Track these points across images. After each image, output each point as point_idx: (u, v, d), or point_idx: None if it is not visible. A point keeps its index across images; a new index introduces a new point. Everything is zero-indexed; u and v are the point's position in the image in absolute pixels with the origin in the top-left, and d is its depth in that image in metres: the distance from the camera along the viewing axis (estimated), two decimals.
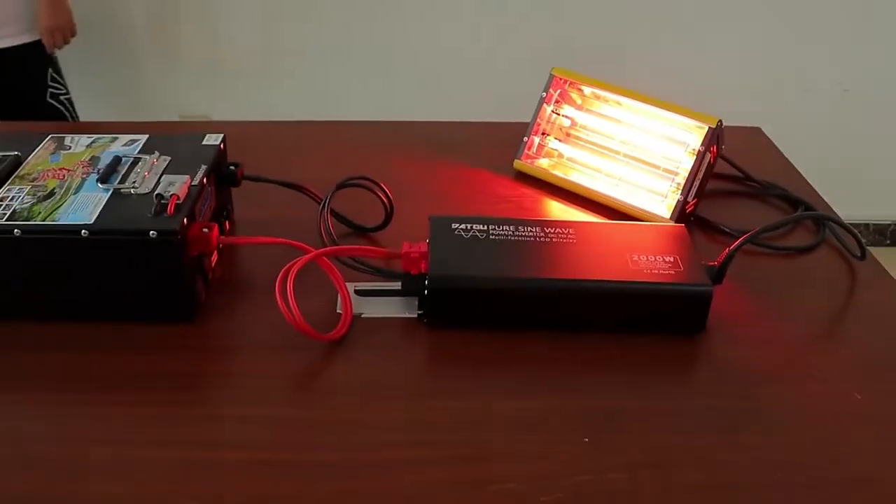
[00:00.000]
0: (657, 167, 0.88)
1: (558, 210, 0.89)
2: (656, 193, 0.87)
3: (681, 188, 0.84)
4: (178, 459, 0.59)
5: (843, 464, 0.60)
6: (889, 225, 2.30)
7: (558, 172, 0.92)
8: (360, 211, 0.83)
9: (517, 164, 0.94)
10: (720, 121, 0.84)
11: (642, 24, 2.08)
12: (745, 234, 0.78)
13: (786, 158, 1.02)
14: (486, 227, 0.74)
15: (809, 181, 0.97)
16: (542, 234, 0.74)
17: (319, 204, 0.81)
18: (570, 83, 0.93)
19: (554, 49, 2.04)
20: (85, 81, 2.06)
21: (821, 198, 0.93)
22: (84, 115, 1.92)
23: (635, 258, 0.71)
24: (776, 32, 2.10)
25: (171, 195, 0.69)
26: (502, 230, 0.74)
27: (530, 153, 0.94)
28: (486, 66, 2.11)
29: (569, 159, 0.93)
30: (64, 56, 1.87)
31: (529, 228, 0.74)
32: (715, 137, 0.84)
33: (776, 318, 0.75)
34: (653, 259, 0.71)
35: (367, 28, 2.09)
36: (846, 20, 2.09)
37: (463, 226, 0.74)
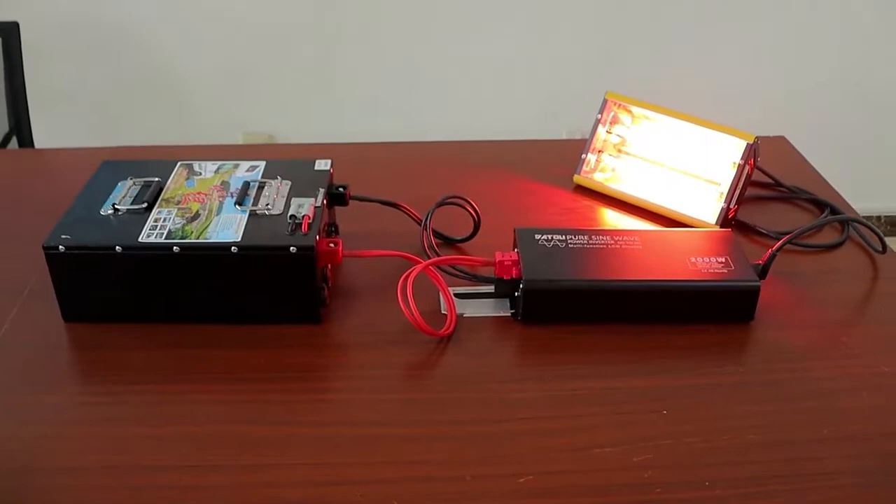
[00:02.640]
0: (701, 178, 1.01)
1: (616, 218, 1.02)
2: (702, 201, 1.00)
3: (724, 196, 0.97)
4: (324, 435, 0.71)
5: (878, 421, 0.73)
6: None
7: (613, 185, 1.05)
8: (445, 224, 0.96)
9: (577, 178, 1.07)
10: (756, 137, 0.97)
11: (662, 43, 2.21)
12: (782, 235, 0.91)
13: (809, 164, 1.15)
14: (564, 237, 0.87)
15: (823, 177, 1.11)
16: (612, 241, 0.87)
17: (413, 219, 0.95)
18: (621, 105, 1.06)
19: (586, 69, 2.17)
20: (142, 100, 2.20)
21: (842, 198, 1.06)
22: (144, 133, 2.05)
23: (693, 260, 0.84)
24: (785, 37, 2.22)
25: (304, 216, 0.82)
26: (578, 239, 0.87)
27: (587, 169, 1.07)
28: (531, 81, 2.24)
29: (621, 173, 1.06)
30: (125, 75, 2.00)
31: (601, 237, 0.87)
32: (752, 151, 0.97)
33: (812, 305, 0.88)
34: (707, 260, 0.84)
35: (418, 49, 2.21)
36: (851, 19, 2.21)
37: (545, 236, 0.87)
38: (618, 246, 0.86)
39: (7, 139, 1.65)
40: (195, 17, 2.13)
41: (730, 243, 0.88)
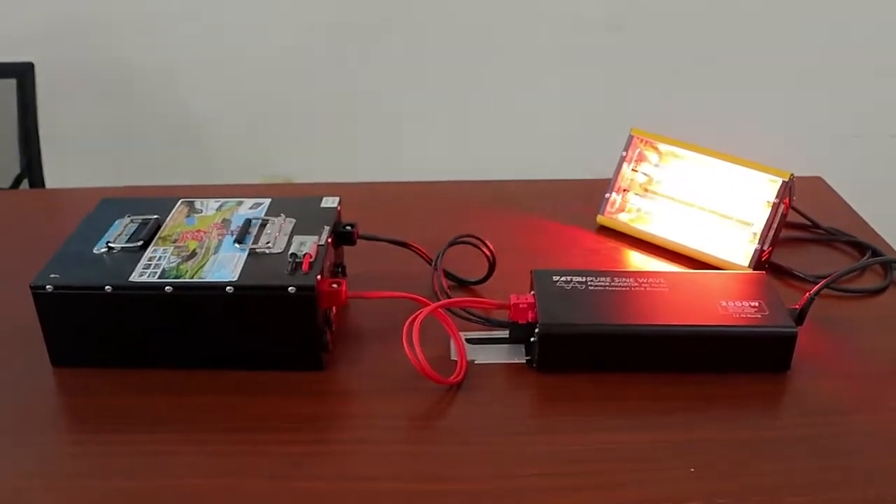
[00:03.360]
0: (732, 218, 0.95)
1: (641, 260, 0.97)
2: (733, 243, 0.94)
3: (757, 237, 0.91)
4: (323, 490, 0.66)
5: None
6: None
7: (639, 225, 1.00)
8: (460, 265, 0.91)
9: (600, 219, 1.02)
10: (792, 174, 0.91)
11: (691, 79, 2.16)
12: (819, 278, 0.85)
13: (848, 205, 1.09)
14: (584, 279, 0.81)
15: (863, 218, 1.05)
16: (636, 283, 0.81)
17: (425, 260, 0.90)
18: (647, 142, 1.01)
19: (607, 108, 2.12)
20: (158, 142, 2.19)
21: (884, 241, 1.00)
22: (159, 176, 2.02)
23: (724, 304, 0.78)
24: (822, 83, 2.16)
25: (305, 254, 0.77)
26: (600, 281, 0.81)
27: (612, 209, 1.02)
28: (553, 117, 2.20)
29: (647, 213, 1.01)
30: (141, 118, 1.99)
31: (624, 279, 0.81)
32: (787, 190, 0.91)
33: (853, 354, 0.81)
34: (740, 304, 0.78)
35: (438, 88, 2.17)
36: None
37: (564, 278, 0.81)
38: (642, 288, 0.81)
39: (18, 180, 1.63)
40: (213, 59, 2.11)
41: (764, 286, 0.82)
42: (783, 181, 0.91)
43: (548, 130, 2.20)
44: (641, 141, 1.01)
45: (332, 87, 2.18)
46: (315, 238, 0.81)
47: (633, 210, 1.02)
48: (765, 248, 0.91)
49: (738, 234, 0.94)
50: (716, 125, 1.99)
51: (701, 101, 2.16)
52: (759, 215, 0.92)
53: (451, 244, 0.88)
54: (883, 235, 1.01)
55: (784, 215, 0.92)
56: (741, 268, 0.92)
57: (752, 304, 0.79)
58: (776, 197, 0.91)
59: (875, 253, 0.97)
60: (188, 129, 2.20)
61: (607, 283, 0.81)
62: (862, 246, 0.98)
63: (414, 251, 0.91)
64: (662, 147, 1.00)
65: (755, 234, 0.92)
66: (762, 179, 0.93)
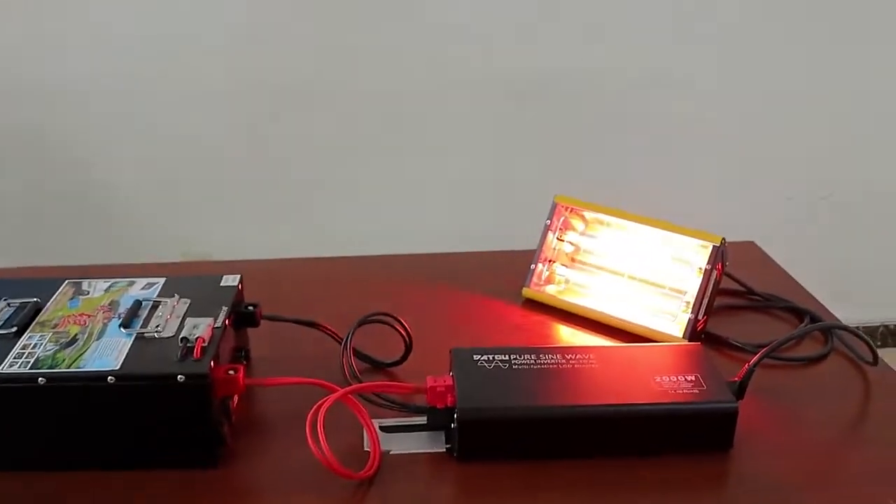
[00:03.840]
0: (664, 287, 0.90)
1: (571, 335, 0.91)
2: (666, 313, 0.89)
3: (690, 306, 0.86)
4: None
5: None
6: (878, 327, 2.33)
7: (567, 298, 0.94)
8: (377, 346, 0.84)
9: (526, 291, 0.96)
10: (724, 239, 0.86)
11: (618, 147, 2.13)
12: (758, 347, 0.80)
13: (783, 270, 1.05)
14: (507, 357, 0.75)
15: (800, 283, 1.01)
16: (563, 360, 0.75)
17: (336, 341, 0.83)
18: (572, 210, 0.95)
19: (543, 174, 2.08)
20: (79, 219, 2.09)
21: (822, 306, 0.95)
22: (81, 255, 1.91)
23: (658, 379, 0.72)
24: (754, 144, 2.15)
25: (197, 338, 0.70)
26: (524, 359, 0.75)
27: (538, 281, 0.96)
28: (485, 193, 2.15)
29: (576, 284, 0.95)
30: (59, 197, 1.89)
31: (550, 356, 0.75)
32: (720, 255, 0.86)
33: (798, 427, 0.76)
34: (675, 379, 0.72)
35: (368, 162, 2.12)
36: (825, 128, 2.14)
37: (485, 357, 0.75)
38: (571, 366, 0.74)
39: None
40: (129, 133, 2.03)
41: (700, 359, 0.76)
42: (714, 246, 0.86)
43: (469, 200, 2.15)
44: (566, 208, 0.96)
45: (251, 164, 2.10)
46: (210, 320, 0.73)
47: (561, 281, 0.96)
48: (699, 317, 0.86)
49: (670, 304, 0.89)
50: (643, 191, 1.97)
51: (627, 166, 2.12)
52: (692, 283, 0.87)
53: (361, 323, 0.81)
54: (819, 298, 0.97)
55: (717, 282, 0.87)
56: (676, 339, 0.86)
57: (689, 378, 0.73)
58: (708, 263, 0.86)
59: (813, 318, 0.92)
60: (97, 204, 2.10)
61: (532, 361, 0.75)
62: (799, 311, 0.94)
63: (324, 332, 0.84)
64: (588, 214, 0.95)
65: (688, 302, 0.87)
66: (693, 245, 0.88)
